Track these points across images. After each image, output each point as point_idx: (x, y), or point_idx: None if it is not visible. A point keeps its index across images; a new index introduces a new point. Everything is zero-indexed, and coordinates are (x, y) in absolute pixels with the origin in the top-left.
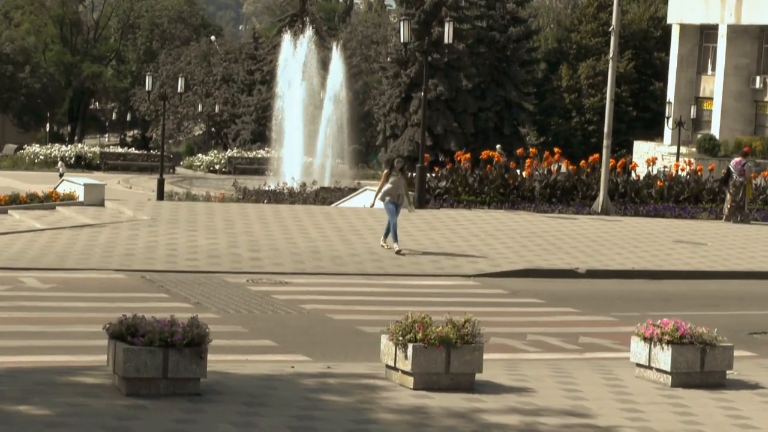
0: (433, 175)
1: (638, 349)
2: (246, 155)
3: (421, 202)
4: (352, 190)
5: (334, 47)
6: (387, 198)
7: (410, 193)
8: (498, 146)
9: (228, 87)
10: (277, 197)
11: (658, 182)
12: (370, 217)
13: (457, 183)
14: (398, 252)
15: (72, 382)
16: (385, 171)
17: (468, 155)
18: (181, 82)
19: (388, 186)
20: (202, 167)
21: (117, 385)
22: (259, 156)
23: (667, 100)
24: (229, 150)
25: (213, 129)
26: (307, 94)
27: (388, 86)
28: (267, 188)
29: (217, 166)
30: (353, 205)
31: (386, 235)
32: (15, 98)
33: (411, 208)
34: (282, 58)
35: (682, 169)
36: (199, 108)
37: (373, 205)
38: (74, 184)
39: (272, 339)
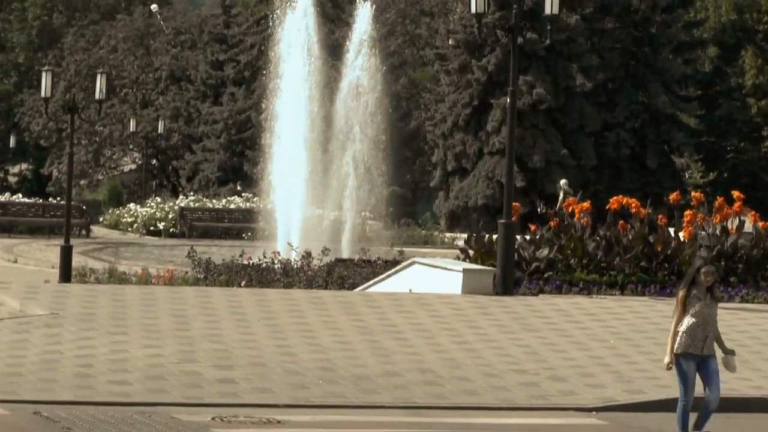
0: (528, 237)
1: None
2: (210, 205)
3: (506, 285)
4: (391, 264)
5: (359, 22)
6: (683, 347)
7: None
8: (562, 182)
9: (180, 90)
10: (262, 276)
11: None
12: (420, 308)
13: (567, 251)
14: None
15: None
16: (680, 292)
17: (586, 204)
18: (100, 83)
19: (689, 321)
20: (136, 226)
21: None
22: (233, 207)
23: None
24: (181, 196)
25: (155, 161)
26: (315, 104)
27: (449, 87)
28: (246, 261)
29: (161, 224)
30: (392, 289)
31: (698, 425)
32: None
33: (731, 360)
34: (271, 41)
35: None
36: (132, 126)
37: (669, 365)
38: None
39: None
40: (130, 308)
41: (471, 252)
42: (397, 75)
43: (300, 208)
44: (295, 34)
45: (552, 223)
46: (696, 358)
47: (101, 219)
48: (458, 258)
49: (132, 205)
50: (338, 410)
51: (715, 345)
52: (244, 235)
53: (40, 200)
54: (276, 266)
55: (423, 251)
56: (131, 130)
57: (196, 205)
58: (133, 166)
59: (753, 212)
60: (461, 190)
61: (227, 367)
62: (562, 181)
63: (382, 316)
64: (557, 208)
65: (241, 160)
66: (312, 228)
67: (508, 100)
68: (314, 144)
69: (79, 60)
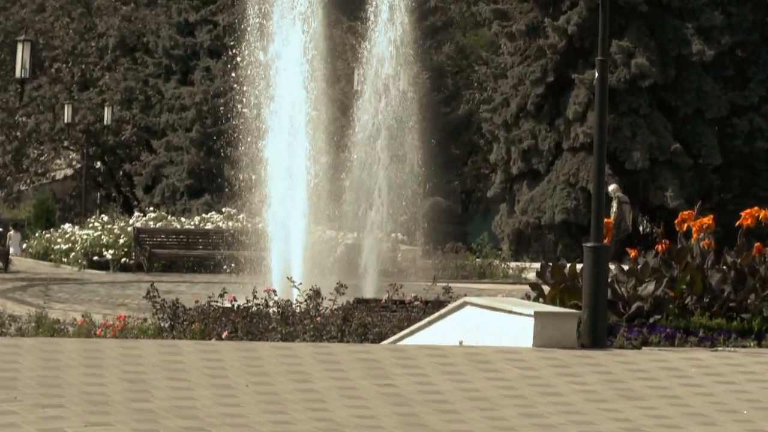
0: (626, 267)
1: None
2: (177, 225)
3: (596, 334)
4: (433, 307)
5: None
6: None
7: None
8: (611, 187)
9: (134, 65)
10: (252, 325)
11: None
12: (474, 368)
13: (681, 286)
14: None
15: None
16: None
17: (708, 219)
18: (22, 55)
19: None
20: (74, 255)
21: None
22: (209, 227)
23: None
24: (137, 213)
25: (99, 164)
26: (323, 83)
27: (514, 57)
28: (229, 304)
29: (109, 253)
30: (435, 341)
31: None
32: None
33: None
34: None
35: None
36: (67, 115)
37: None
38: None
39: None
40: (66, 370)
41: (546, 288)
42: (439, 41)
43: (304, 228)
44: None
45: (659, 247)
46: None
47: (24, 246)
48: (528, 297)
49: (68, 227)
50: None
51: None
52: (225, 267)
53: None
54: (271, 310)
55: (478, 287)
56: (66, 120)
57: (158, 225)
58: (70, 172)
59: None
60: (531, 202)
61: None
62: (611, 187)
63: (422, 380)
64: (613, 222)
65: (220, 164)
66: (321, 256)
67: (597, 74)
68: (324, 140)
69: None
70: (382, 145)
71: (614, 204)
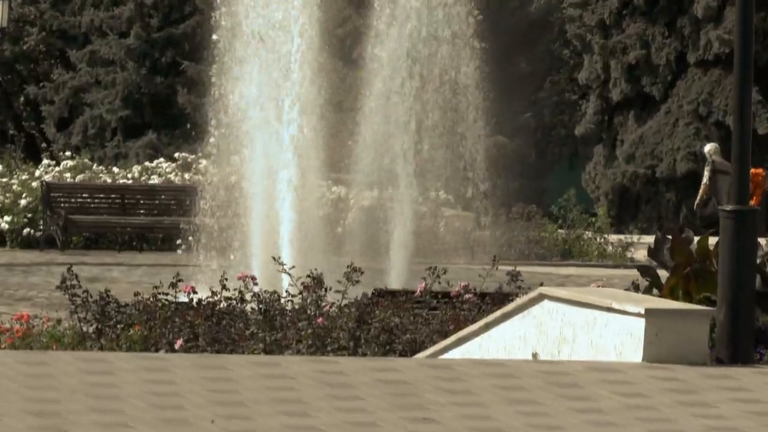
0: None
1: None
2: (107, 180)
3: (738, 342)
4: (493, 301)
5: None
6: None
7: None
8: (708, 147)
9: None
10: (220, 330)
11: None
12: (556, 393)
13: None
14: None
15: None
16: None
17: None
18: None
19: None
20: None
21: None
22: (156, 183)
23: None
24: (46, 161)
25: None
26: None
27: None
28: (186, 298)
29: (4, 220)
30: (496, 353)
31: None
32: None
33: None
34: None
35: None
36: None
37: None
38: None
39: None
40: None
41: (663, 273)
42: None
43: (295, 182)
44: None
45: None
46: None
47: None
48: (635, 287)
49: None
50: None
51: None
52: (180, 243)
53: None
54: (249, 307)
55: (562, 273)
56: None
57: (79, 178)
58: None
59: None
60: (641, 143)
61: None
62: (708, 147)
63: (476, 413)
64: (699, 197)
65: (171, 83)
66: (324, 225)
67: None
68: (324, 50)
69: None
70: (413, 59)
71: (707, 171)
